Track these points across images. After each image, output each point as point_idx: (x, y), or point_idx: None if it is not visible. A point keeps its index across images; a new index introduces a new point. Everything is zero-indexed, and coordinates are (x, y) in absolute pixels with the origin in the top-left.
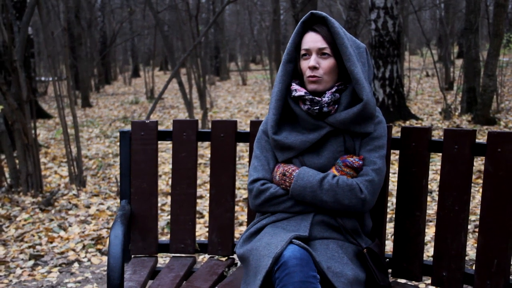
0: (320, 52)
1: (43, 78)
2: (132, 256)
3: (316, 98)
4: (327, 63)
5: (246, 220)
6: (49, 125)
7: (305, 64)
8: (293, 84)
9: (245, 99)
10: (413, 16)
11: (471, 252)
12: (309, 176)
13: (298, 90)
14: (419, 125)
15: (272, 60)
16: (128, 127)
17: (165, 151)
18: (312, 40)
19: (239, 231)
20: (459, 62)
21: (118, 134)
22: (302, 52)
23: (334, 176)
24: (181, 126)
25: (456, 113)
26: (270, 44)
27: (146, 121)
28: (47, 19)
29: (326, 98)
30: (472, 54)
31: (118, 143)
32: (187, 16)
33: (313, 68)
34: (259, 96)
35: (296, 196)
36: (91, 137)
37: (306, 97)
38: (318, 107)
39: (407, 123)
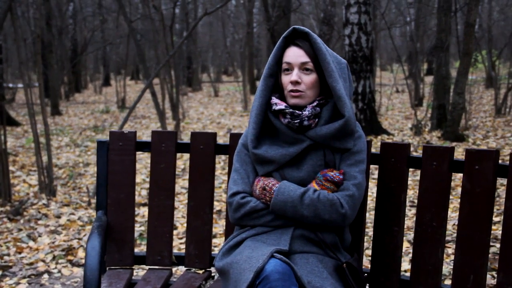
0: (303, 67)
1: (10, 85)
2: (107, 268)
3: (297, 111)
4: (309, 78)
5: (220, 232)
6: (17, 132)
7: (286, 79)
8: (273, 98)
9: (217, 110)
10: (384, 32)
11: (447, 267)
12: (289, 191)
13: (278, 104)
14: (397, 141)
15: (245, 72)
16: (99, 137)
17: (137, 161)
18: (295, 55)
19: (213, 243)
20: (428, 79)
21: (88, 143)
22: (284, 66)
23: (315, 190)
24: (160, 137)
25: (426, 129)
26: (243, 56)
27: (125, 131)
28: (17, 25)
29: (306, 111)
30: (443, 72)
31: (89, 152)
32: (161, 26)
33: (295, 82)
34: (231, 108)
35: (276, 210)
36: (60, 146)
37: (287, 110)
38: (298, 120)
39: (379, 138)
